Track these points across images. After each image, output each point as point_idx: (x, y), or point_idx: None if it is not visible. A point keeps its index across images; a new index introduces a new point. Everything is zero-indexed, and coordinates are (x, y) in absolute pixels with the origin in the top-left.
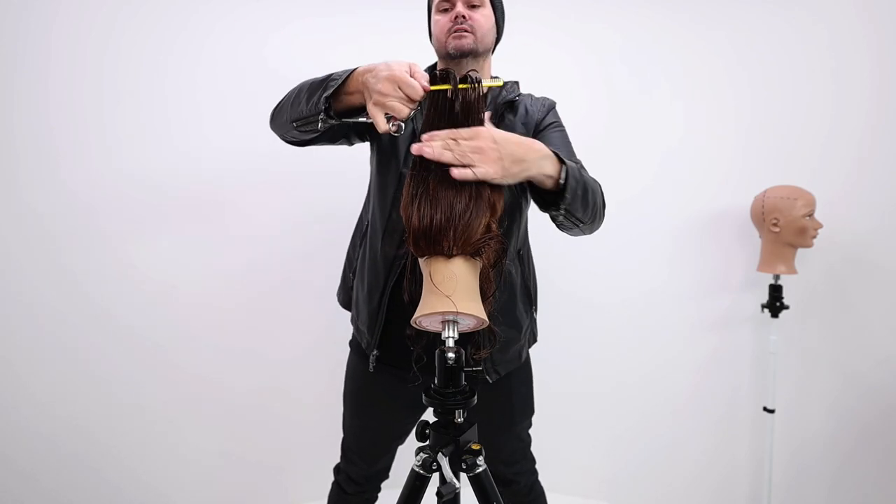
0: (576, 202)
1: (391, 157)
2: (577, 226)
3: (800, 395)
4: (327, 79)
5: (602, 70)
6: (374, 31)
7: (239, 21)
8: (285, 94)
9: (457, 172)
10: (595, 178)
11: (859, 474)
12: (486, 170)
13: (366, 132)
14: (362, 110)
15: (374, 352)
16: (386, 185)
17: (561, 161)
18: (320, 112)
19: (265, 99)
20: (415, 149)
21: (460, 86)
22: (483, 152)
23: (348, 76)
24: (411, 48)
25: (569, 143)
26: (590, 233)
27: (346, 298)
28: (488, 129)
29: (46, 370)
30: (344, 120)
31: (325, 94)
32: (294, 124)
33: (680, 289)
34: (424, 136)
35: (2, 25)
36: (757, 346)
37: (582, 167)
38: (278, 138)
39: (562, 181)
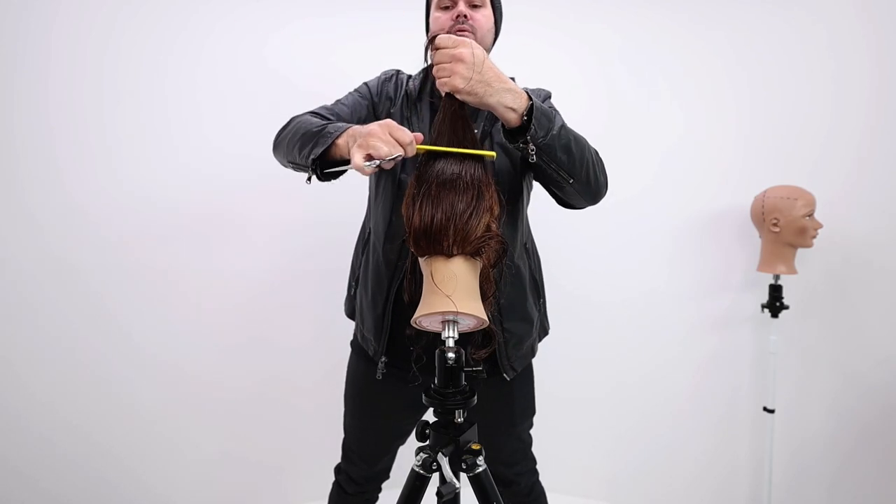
0: (552, 142)
1: (388, 171)
2: (567, 181)
3: (800, 395)
4: (319, 133)
5: (601, 70)
6: (374, 31)
7: (239, 21)
8: (286, 122)
9: (438, 83)
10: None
11: (859, 474)
12: (454, 81)
13: None
14: (348, 162)
15: (383, 358)
16: (385, 190)
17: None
18: (309, 168)
19: (265, 99)
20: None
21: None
22: (460, 61)
23: (339, 135)
24: (411, 48)
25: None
26: (589, 198)
27: (350, 308)
28: (472, 43)
29: (46, 370)
30: (330, 172)
31: (311, 155)
32: (291, 166)
33: (680, 289)
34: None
35: (2, 25)
36: (757, 346)
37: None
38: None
39: (525, 115)
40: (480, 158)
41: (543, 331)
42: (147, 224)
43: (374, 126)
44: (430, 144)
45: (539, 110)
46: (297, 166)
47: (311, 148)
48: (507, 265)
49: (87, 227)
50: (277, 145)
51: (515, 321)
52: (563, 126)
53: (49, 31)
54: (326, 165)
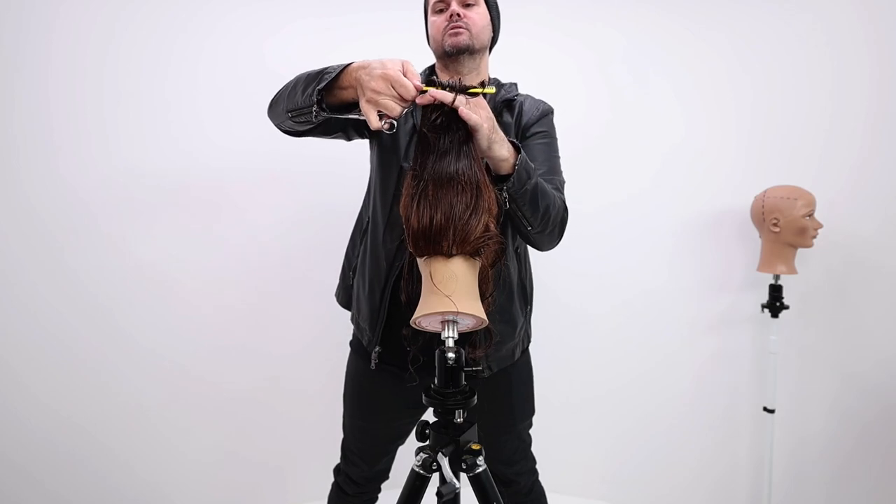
0: (524, 196)
1: (392, 151)
2: (526, 227)
3: (800, 395)
4: (322, 71)
5: (603, 70)
6: (373, 32)
7: (238, 21)
8: (284, 84)
9: (463, 111)
10: (564, 199)
11: (859, 474)
12: (481, 121)
13: (364, 128)
14: (356, 105)
15: (377, 348)
16: (387, 179)
17: (518, 151)
18: (314, 104)
19: (264, 99)
20: (424, 99)
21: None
22: (483, 109)
23: (342, 70)
24: (411, 48)
25: (553, 154)
26: (543, 243)
27: (345, 298)
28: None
29: (46, 369)
30: (335, 116)
31: (317, 87)
32: (289, 114)
33: (680, 289)
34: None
35: (2, 26)
36: (757, 346)
37: (560, 184)
38: (276, 130)
39: (517, 164)
40: (479, 159)
41: (528, 338)
42: (147, 223)
43: (377, 80)
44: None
45: (522, 164)
46: (298, 112)
47: (315, 85)
48: (505, 264)
49: (88, 227)
50: (275, 102)
51: (498, 323)
52: (538, 182)
53: (50, 31)
54: (331, 108)
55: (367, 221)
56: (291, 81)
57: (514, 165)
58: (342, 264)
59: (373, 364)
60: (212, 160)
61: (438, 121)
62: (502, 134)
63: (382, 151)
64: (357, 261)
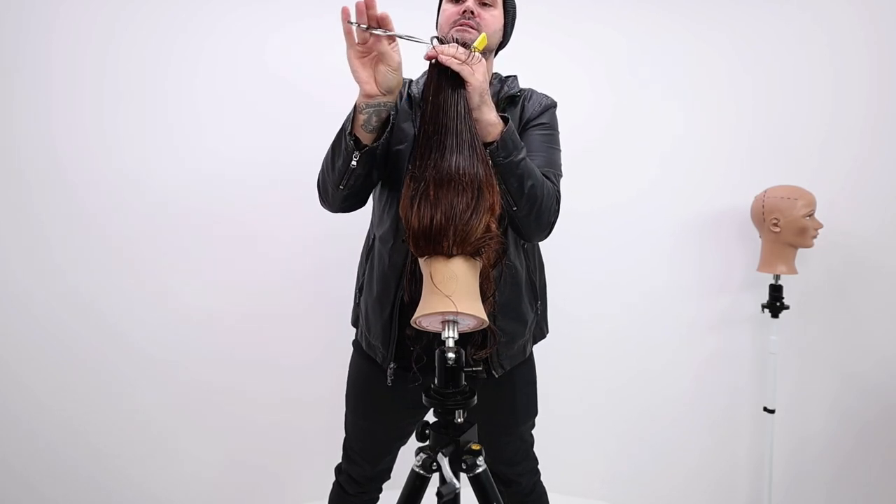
0: (509, 167)
1: (396, 174)
2: (511, 206)
3: (800, 395)
4: (340, 130)
5: (603, 71)
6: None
7: (238, 22)
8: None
9: (466, 70)
10: (557, 191)
11: (859, 474)
12: (477, 77)
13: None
14: (385, 126)
15: (392, 365)
16: (391, 199)
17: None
18: (353, 151)
19: (264, 100)
20: (429, 55)
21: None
22: (481, 67)
23: (353, 110)
24: (411, 48)
25: (552, 146)
26: (530, 230)
27: (354, 317)
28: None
29: (48, 377)
30: (377, 140)
31: (345, 132)
32: (341, 187)
33: (680, 289)
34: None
35: (2, 26)
36: (757, 346)
37: (555, 176)
38: (277, 134)
39: (504, 130)
40: (483, 156)
41: (540, 333)
42: (150, 230)
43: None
44: (425, 115)
45: (509, 134)
46: (346, 177)
47: (341, 135)
48: (507, 264)
49: (91, 234)
50: (323, 188)
51: (508, 320)
52: (525, 160)
53: (50, 31)
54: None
55: (373, 239)
56: (322, 162)
57: (502, 132)
58: (355, 286)
59: (389, 381)
60: (216, 167)
61: (441, 81)
62: (491, 104)
63: (387, 177)
64: (364, 278)
